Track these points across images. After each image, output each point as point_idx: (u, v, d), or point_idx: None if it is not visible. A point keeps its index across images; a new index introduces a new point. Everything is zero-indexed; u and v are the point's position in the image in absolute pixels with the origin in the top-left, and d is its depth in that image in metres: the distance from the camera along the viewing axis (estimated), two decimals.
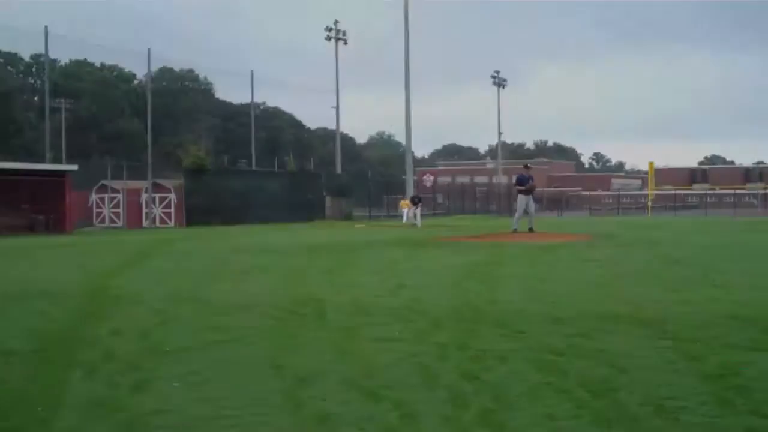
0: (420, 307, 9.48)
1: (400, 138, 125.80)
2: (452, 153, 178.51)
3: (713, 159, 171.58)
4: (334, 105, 62.89)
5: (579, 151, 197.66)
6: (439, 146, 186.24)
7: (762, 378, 5.84)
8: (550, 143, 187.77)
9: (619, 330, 7.84)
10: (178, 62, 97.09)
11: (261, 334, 7.89)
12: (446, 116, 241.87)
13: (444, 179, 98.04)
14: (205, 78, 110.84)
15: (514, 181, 27.12)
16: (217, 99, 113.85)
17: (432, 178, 64.93)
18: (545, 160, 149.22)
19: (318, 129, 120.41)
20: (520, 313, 8.89)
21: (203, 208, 42.07)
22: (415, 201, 42.51)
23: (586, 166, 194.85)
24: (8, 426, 4.89)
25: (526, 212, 27.00)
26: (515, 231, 26.29)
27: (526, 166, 29.06)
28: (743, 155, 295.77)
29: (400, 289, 11.33)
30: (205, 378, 6.07)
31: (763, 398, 5.32)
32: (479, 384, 5.78)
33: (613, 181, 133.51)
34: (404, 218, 45.25)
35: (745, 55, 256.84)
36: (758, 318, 8.36)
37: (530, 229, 26.43)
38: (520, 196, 26.90)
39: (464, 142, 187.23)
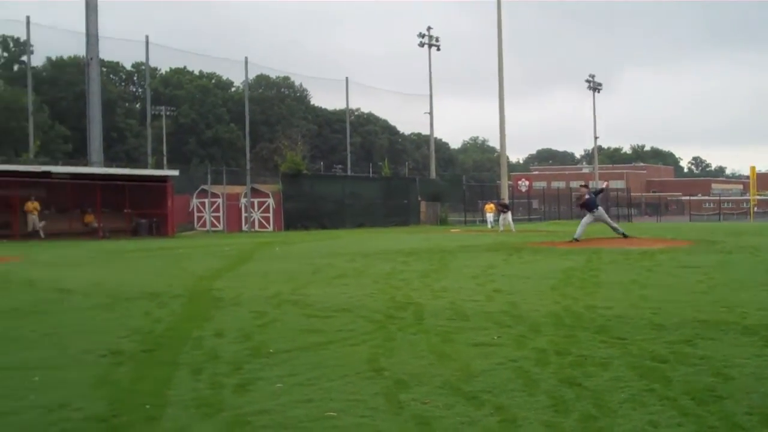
0: (517, 312, 9.44)
1: (494, 143, 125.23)
2: (547, 158, 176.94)
3: None
4: (428, 110, 62.99)
5: (678, 156, 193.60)
6: (533, 151, 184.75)
7: None
8: (647, 148, 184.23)
9: (724, 337, 7.66)
10: (274, 70, 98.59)
11: (360, 336, 7.95)
12: (540, 121, 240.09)
13: (539, 184, 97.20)
14: (301, 85, 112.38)
15: (586, 198, 25.88)
16: (313, 105, 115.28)
17: (527, 183, 64.42)
18: (643, 164, 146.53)
19: (411, 134, 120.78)
20: (621, 319, 8.76)
21: (300, 213, 42.66)
22: (505, 208, 42.20)
23: (685, 170, 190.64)
24: (119, 423, 5.05)
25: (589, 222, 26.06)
26: (624, 235, 25.65)
27: (585, 186, 28.35)
28: None
29: (497, 293, 11.29)
30: (307, 379, 6.16)
31: None
32: (580, 390, 5.73)
33: (713, 185, 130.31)
34: (489, 223, 45.01)
35: None
36: None
37: (624, 235, 25.80)
38: (588, 215, 26.06)
39: (559, 147, 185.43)
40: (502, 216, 41.05)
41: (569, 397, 5.56)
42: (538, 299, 10.68)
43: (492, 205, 46.06)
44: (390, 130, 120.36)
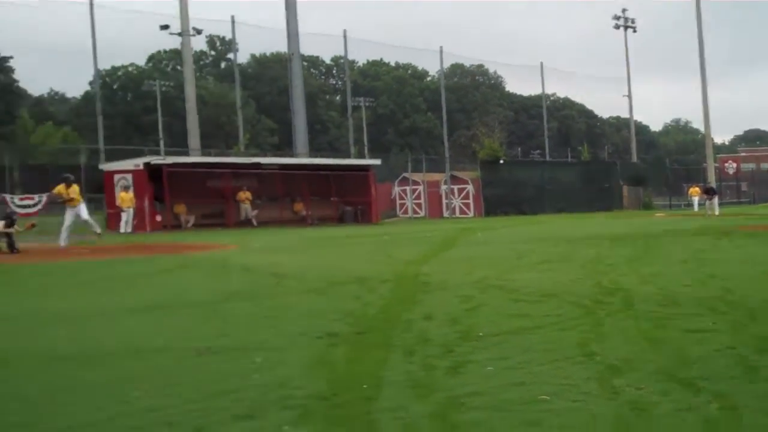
0: (732, 298, 9.09)
1: (697, 124, 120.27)
2: (755, 138, 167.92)
3: None
4: (626, 93, 61.33)
5: None
6: (740, 132, 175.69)
7: None
8: None
9: None
10: (468, 58, 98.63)
11: (569, 321, 7.89)
12: (747, 100, 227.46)
13: (747, 166, 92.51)
14: (495, 72, 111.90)
15: None
16: (508, 92, 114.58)
17: (735, 165, 61.60)
18: None
19: (610, 118, 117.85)
20: None
21: (499, 199, 42.64)
22: (710, 192, 40.55)
23: None
24: (338, 401, 5.23)
25: None
26: None
27: None
28: None
29: (710, 279, 10.91)
30: (517, 363, 6.16)
31: None
32: None
33: None
34: (695, 206, 43.41)
35: None
36: None
37: None
38: None
39: None
40: (708, 201, 39.55)
41: None
42: (753, 285, 10.27)
43: (697, 189, 44.39)
44: (587, 114, 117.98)
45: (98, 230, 20.21)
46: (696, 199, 43.88)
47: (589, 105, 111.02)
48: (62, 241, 20.33)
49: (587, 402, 5.11)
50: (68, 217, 20.57)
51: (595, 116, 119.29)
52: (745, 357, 6.11)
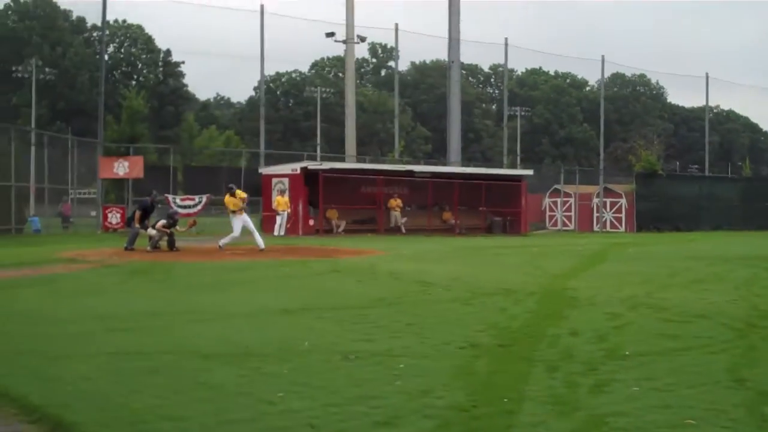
0: None
1: None
2: None
3: None
4: None
5: None
6: None
7: None
8: None
9: None
10: (630, 68, 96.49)
11: (719, 344, 7.67)
12: None
13: None
14: (657, 82, 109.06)
15: None
16: (669, 103, 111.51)
17: None
18: None
19: None
20: None
21: (653, 214, 41.53)
22: None
23: None
24: (478, 413, 5.27)
25: None
26: None
27: None
28: None
29: None
30: (664, 384, 6.06)
31: None
32: None
33: None
34: None
35: None
36: None
37: None
38: None
39: None
40: None
41: None
42: None
43: None
44: (752, 128, 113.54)
45: (262, 246, 20.66)
46: None
47: (755, 118, 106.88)
48: (222, 242, 20.93)
49: (735, 429, 5.01)
50: (236, 226, 21.02)
51: (760, 130, 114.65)
52: None
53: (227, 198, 21.48)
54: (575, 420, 5.14)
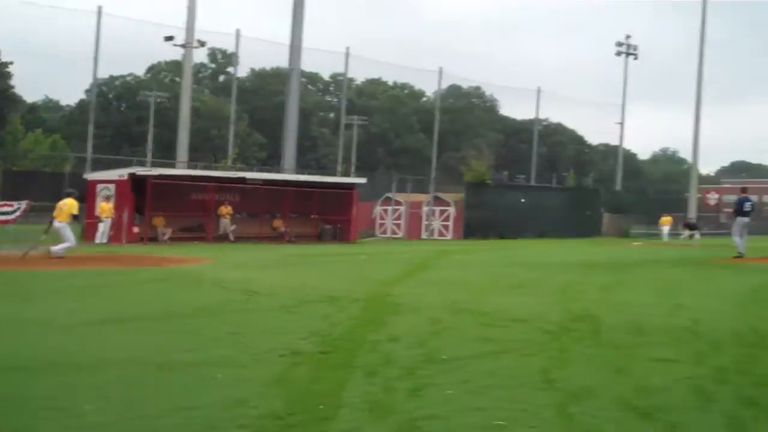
0: (699, 328, 9.14)
1: (685, 154, 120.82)
2: (740, 170, 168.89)
3: None
4: (619, 120, 61.71)
5: None
6: (726, 163, 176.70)
7: None
8: None
9: None
10: (467, 80, 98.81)
11: (534, 347, 7.91)
12: (736, 132, 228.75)
13: (730, 198, 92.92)
14: (491, 95, 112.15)
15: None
16: (501, 115, 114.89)
17: (717, 196, 61.83)
18: None
19: (599, 145, 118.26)
20: None
21: (480, 222, 42.56)
22: (692, 227, 40.79)
23: None
24: (293, 421, 5.21)
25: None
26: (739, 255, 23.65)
27: (743, 190, 26.56)
28: None
29: (679, 309, 10.96)
30: (479, 387, 6.19)
31: None
32: (759, 411, 5.54)
33: None
34: (664, 236, 43.37)
35: None
36: None
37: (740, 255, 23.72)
38: (739, 219, 24.39)
39: (755, 160, 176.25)
40: (689, 234, 39.89)
41: (747, 416, 5.39)
42: (720, 316, 10.34)
43: (669, 218, 44.49)
44: (577, 140, 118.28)
45: (54, 249, 19.70)
46: (666, 229, 43.84)
47: (581, 131, 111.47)
48: (55, 249, 19.93)
49: (542, 429, 5.15)
50: (69, 234, 20.05)
51: (585, 143, 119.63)
52: (703, 388, 6.16)
53: (72, 202, 20.52)
54: (390, 424, 5.16)
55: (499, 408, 5.58)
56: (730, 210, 25.51)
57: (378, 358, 7.26)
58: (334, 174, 47.70)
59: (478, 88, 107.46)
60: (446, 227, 43.35)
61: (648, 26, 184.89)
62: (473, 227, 42.15)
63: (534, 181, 57.45)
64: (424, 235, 43.08)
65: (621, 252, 28.85)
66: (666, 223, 44.31)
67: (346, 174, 54.32)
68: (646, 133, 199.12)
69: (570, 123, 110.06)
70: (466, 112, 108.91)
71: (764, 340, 8.34)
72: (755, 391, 6.08)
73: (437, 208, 43.89)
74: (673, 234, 44.59)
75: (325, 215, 36.74)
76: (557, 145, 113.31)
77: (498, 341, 8.20)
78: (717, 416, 5.39)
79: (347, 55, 46.89)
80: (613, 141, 68.59)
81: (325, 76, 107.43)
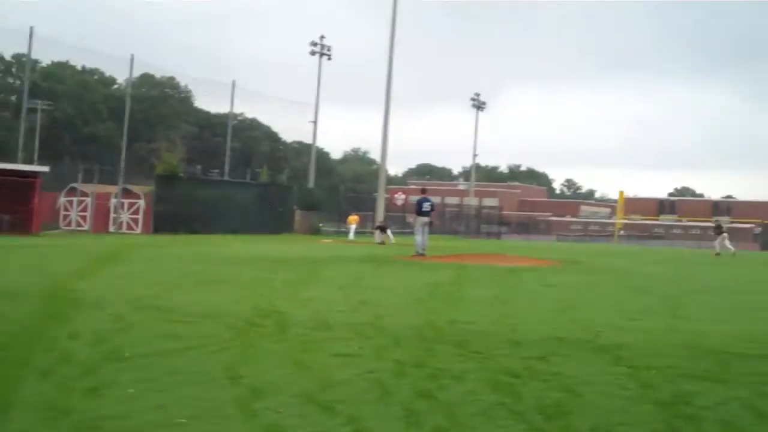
0: (381, 323, 9.51)
1: (375, 155, 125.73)
2: (425, 173, 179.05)
3: (682, 191, 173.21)
4: (313, 119, 62.92)
5: (551, 177, 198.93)
6: (413, 165, 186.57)
7: (712, 408, 5.92)
8: (523, 167, 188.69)
9: (577, 355, 7.91)
10: (160, 69, 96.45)
11: (220, 343, 7.87)
12: (422, 136, 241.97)
13: (415, 198, 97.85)
14: (186, 86, 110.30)
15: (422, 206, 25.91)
16: (196, 107, 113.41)
17: (404, 196, 64.87)
18: (517, 184, 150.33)
19: (294, 142, 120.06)
20: (480, 334, 8.94)
21: (172, 216, 41.70)
22: (382, 229, 42.58)
23: (558, 191, 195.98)
24: None
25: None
26: (419, 254, 25.14)
27: (423, 191, 28.46)
28: (713, 188, 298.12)
29: (363, 305, 11.36)
30: (162, 385, 6.07)
31: (712, 428, 5.39)
32: (434, 402, 5.82)
33: (583, 208, 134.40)
34: (351, 234, 44.67)
35: (717, 89, 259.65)
36: (715, 349, 8.45)
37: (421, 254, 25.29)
38: (419, 219, 25.99)
39: (438, 163, 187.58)
40: (380, 233, 41.50)
41: (422, 408, 5.63)
42: (402, 312, 10.80)
43: (356, 217, 45.96)
44: (272, 136, 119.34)
45: None
46: (353, 227, 45.23)
47: (276, 128, 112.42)
48: None
49: (224, 425, 5.14)
50: None
51: (279, 139, 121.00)
52: (384, 381, 6.40)
53: None
54: (66, 426, 4.95)
55: (182, 405, 5.51)
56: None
57: (56, 356, 6.91)
58: (14, 161, 44.75)
59: (172, 78, 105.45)
60: (135, 221, 42.19)
61: (343, 29, 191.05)
62: (164, 221, 41.26)
63: (228, 175, 57.20)
64: (111, 229, 41.67)
65: (311, 248, 29.48)
66: (353, 222, 45.65)
67: (28, 161, 51.25)
68: (340, 132, 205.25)
69: (265, 119, 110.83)
70: (160, 102, 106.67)
71: (441, 335, 8.81)
72: (431, 383, 6.40)
73: (126, 201, 42.60)
74: (360, 232, 46.10)
75: (3, 204, 34.48)
76: (252, 140, 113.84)
77: (184, 338, 8.09)
78: (395, 408, 5.61)
79: (31, 33, 44.10)
80: (307, 139, 69.83)
81: (7, 55, 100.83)
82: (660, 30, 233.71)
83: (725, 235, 41.12)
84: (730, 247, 40.14)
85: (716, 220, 50.82)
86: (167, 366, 6.77)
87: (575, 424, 5.40)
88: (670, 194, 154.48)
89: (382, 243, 39.75)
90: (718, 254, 39.04)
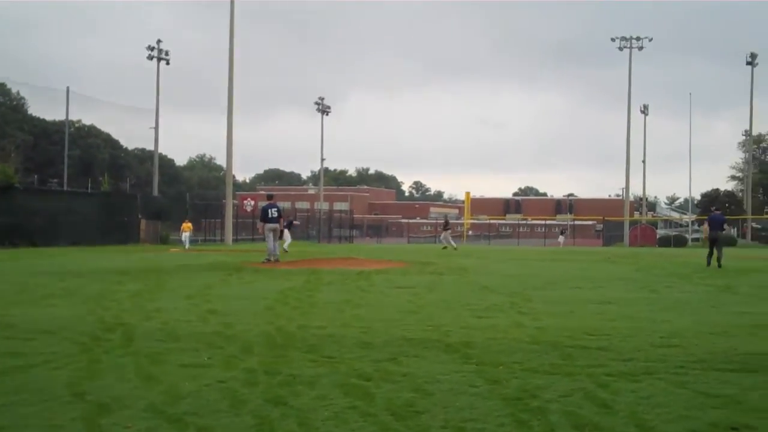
0: (231, 332, 9.41)
1: (221, 161, 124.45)
2: (274, 178, 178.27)
3: (527, 191, 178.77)
4: (153, 125, 61.63)
5: (400, 180, 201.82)
6: (261, 171, 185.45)
7: (557, 400, 6.12)
8: (371, 171, 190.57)
9: (427, 355, 8.03)
10: None
11: (63, 359, 7.61)
12: (270, 141, 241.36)
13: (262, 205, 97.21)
14: (18, 93, 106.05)
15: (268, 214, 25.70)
16: (30, 115, 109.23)
17: (253, 202, 64.36)
18: (366, 187, 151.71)
19: (135, 149, 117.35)
20: (332, 338, 8.96)
21: (8, 229, 39.96)
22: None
23: (407, 194, 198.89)
24: None
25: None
26: (269, 260, 25.12)
27: (269, 197, 28.05)
28: (555, 187, 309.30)
29: (211, 314, 11.22)
30: (4, 404, 5.86)
31: (558, 420, 5.57)
32: (286, 409, 5.81)
33: (432, 209, 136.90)
34: (186, 243, 43.12)
35: (554, 92, 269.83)
36: (558, 343, 8.74)
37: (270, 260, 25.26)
38: (266, 225, 25.76)
39: (287, 168, 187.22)
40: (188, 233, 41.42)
41: (275, 416, 5.61)
42: (252, 319, 10.71)
43: (189, 224, 44.96)
44: (113, 144, 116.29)
45: None
46: (187, 235, 43.92)
47: (116, 135, 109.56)
48: None
49: None
50: None
51: (121, 146, 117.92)
52: (235, 391, 6.34)
53: None
54: None
55: (25, 426, 5.34)
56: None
57: None
58: None
59: (3, 84, 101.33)
60: None
61: (184, 34, 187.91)
62: (1, 235, 39.49)
63: (67, 185, 55.33)
64: None
65: (158, 258, 28.82)
66: (186, 230, 44.25)
67: None
68: (185, 139, 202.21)
69: (105, 126, 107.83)
70: None
71: (292, 341, 8.77)
72: (283, 390, 6.37)
73: None
74: (194, 240, 45.23)
75: None
76: (91, 148, 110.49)
77: (24, 355, 7.78)
78: (247, 417, 5.57)
79: None
80: (149, 146, 68.39)
81: None
82: (497, 35, 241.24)
83: (449, 231, 44.34)
84: (452, 243, 42.54)
85: (444, 215, 53.52)
86: (7, 385, 6.50)
87: (426, 422, 5.49)
88: (515, 194, 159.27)
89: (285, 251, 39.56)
90: (444, 248, 41.86)
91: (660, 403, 6.05)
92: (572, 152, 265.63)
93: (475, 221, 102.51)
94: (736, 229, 75.72)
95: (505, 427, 5.41)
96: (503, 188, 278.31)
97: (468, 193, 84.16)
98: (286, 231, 36.47)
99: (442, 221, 46.97)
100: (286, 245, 34.90)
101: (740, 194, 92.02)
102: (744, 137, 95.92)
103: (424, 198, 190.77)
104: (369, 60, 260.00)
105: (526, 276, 20.27)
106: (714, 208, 36.94)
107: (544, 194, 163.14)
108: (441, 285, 17.02)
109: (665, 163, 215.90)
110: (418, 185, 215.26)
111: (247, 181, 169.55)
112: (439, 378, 6.86)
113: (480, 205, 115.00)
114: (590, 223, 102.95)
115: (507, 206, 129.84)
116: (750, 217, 76.41)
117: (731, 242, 57.13)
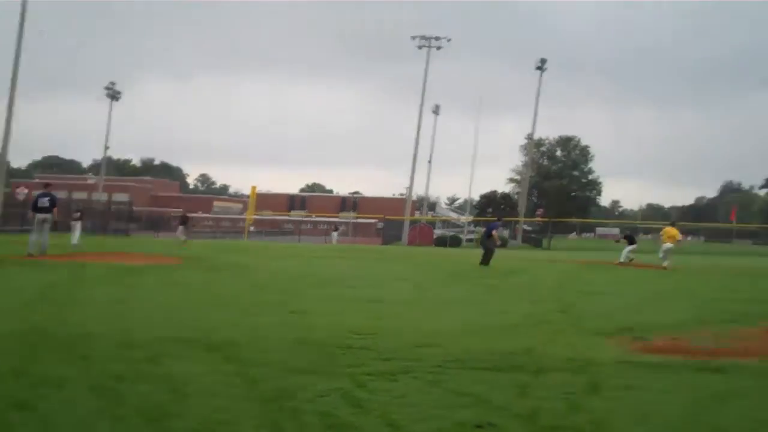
0: None
1: None
2: (53, 165, 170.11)
3: (313, 187, 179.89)
4: None
5: (186, 172, 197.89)
6: (38, 157, 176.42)
7: (314, 400, 6.17)
8: (157, 161, 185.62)
9: (188, 354, 7.89)
10: None
11: None
12: (50, 126, 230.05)
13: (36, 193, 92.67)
14: None
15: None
16: None
17: (26, 191, 61.15)
18: (149, 178, 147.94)
19: None
20: (90, 337, 8.63)
21: None
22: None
23: (192, 186, 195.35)
24: None
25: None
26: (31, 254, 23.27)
27: (46, 185, 26.68)
28: (342, 185, 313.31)
29: None
30: None
31: (311, 420, 5.61)
32: (30, 414, 5.55)
33: (215, 204, 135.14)
34: None
35: (347, 88, 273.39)
36: (324, 342, 8.82)
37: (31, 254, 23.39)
38: (36, 216, 24.50)
39: (67, 155, 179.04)
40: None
41: (16, 421, 5.37)
42: (6, 316, 10.19)
43: None
44: None
45: None
46: None
47: None
48: None
49: None
50: None
51: None
52: None
53: None
54: None
55: None
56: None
57: None
58: None
59: None
60: None
61: None
62: None
63: None
64: None
65: None
66: None
67: None
68: None
69: None
70: None
71: (47, 340, 8.38)
72: (30, 393, 6.06)
73: None
74: None
75: None
76: None
77: None
78: None
79: None
80: None
81: None
82: (299, 29, 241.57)
83: (186, 227, 45.56)
84: (182, 237, 43.40)
85: (182, 211, 54.81)
86: None
87: (176, 426, 5.40)
88: (302, 190, 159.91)
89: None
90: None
91: (412, 403, 6.21)
92: (361, 149, 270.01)
93: (258, 217, 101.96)
94: (509, 230, 79.12)
95: (258, 430, 5.39)
96: (292, 184, 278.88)
97: (254, 188, 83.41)
98: (77, 224, 35.16)
99: (179, 216, 46.75)
100: (75, 239, 33.44)
101: (516, 196, 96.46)
102: (526, 140, 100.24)
103: (209, 191, 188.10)
104: (162, 45, 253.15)
105: (303, 274, 20.34)
106: (489, 211, 38.62)
107: (330, 191, 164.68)
108: (213, 282, 16.77)
109: (453, 164, 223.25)
110: (204, 178, 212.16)
111: (23, 168, 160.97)
112: (197, 379, 6.76)
113: (266, 201, 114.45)
114: (372, 221, 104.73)
115: (292, 202, 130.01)
116: (522, 219, 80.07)
117: (503, 244, 59.72)
